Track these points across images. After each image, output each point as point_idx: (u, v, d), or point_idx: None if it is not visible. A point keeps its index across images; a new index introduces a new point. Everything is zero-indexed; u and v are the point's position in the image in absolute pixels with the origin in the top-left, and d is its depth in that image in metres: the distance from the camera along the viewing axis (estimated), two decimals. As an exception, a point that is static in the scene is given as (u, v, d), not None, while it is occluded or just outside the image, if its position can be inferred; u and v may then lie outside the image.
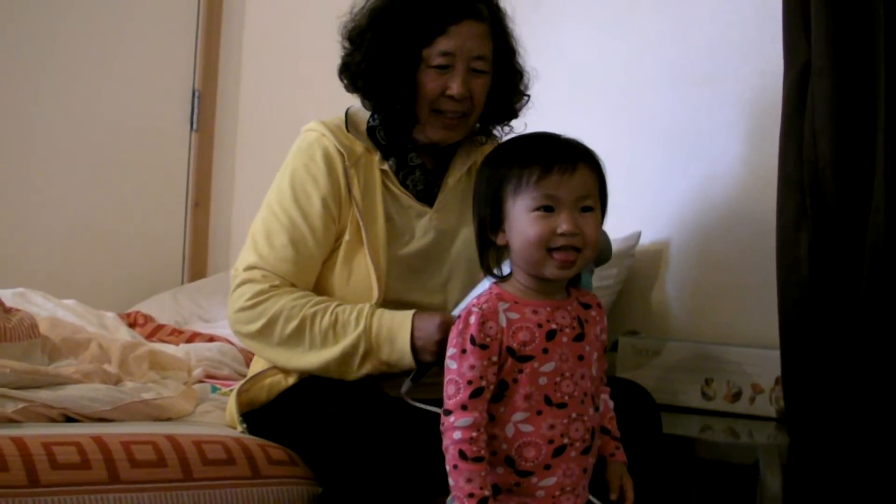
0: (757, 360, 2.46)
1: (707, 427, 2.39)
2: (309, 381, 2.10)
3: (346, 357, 2.04)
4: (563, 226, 1.68)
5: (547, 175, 1.70)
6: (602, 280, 2.64)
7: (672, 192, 2.77)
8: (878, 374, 2.08)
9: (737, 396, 2.48)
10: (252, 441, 2.06)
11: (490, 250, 1.78)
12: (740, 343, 2.54)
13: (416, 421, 1.89)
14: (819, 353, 2.16)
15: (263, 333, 2.09)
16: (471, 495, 1.65)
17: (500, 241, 1.76)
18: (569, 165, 1.71)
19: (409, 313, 2.02)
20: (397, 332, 2.01)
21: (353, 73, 2.18)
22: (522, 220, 1.71)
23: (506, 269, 1.78)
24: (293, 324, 2.06)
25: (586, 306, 1.79)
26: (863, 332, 2.10)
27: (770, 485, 2.16)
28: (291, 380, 2.13)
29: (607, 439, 1.83)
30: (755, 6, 2.61)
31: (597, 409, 1.76)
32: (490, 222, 1.76)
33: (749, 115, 2.64)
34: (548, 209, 1.70)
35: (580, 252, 1.71)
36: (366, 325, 2.03)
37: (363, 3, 2.20)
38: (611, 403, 1.86)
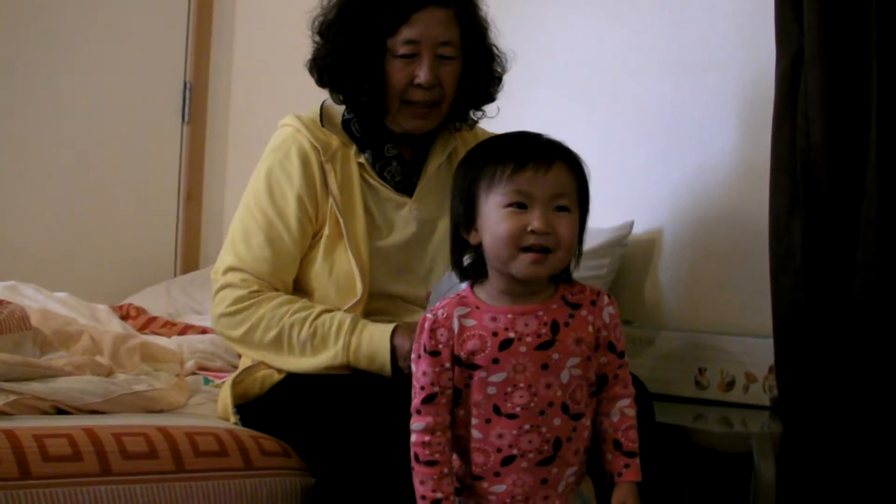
0: (750, 349, 2.45)
1: (700, 416, 2.39)
2: (301, 374, 2.10)
3: (326, 369, 2.06)
4: (535, 223, 1.64)
5: (521, 171, 1.65)
6: (595, 270, 2.64)
7: (665, 181, 2.76)
8: (872, 363, 2.08)
9: (730, 385, 2.48)
10: (245, 432, 2.06)
11: (463, 250, 1.74)
12: (734, 332, 2.53)
13: (409, 411, 1.88)
14: (813, 342, 2.16)
15: (245, 339, 2.12)
16: (423, 497, 1.68)
17: (472, 239, 1.71)
18: (544, 162, 1.66)
19: (387, 331, 2.03)
20: (377, 349, 2.03)
21: (320, 68, 2.18)
22: (494, 216, 1.66)
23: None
24: (272, 333, 2.08)
25: (575, 306, 1.71)
26: (856, 320, 2.10)
27: (764, 473, 2.15)
28: (284, 373, 2.12)
29: (617, 455, 1.72)
30: (748, -6, 2.61)
31: (574, 417, 1.69)
32: (464, 220, 1.71)
33: (742, 103, 2.63)
34: (520, 206, 1.65)
35: (552, 253, 1.65)
36: (345, 343, 2.04)
37: None
38: (630, 412, 1.74)
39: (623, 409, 1.74)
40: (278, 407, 2.10)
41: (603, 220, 2.67)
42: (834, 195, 2.13)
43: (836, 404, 2.13)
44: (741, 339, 2.49)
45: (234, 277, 2.13)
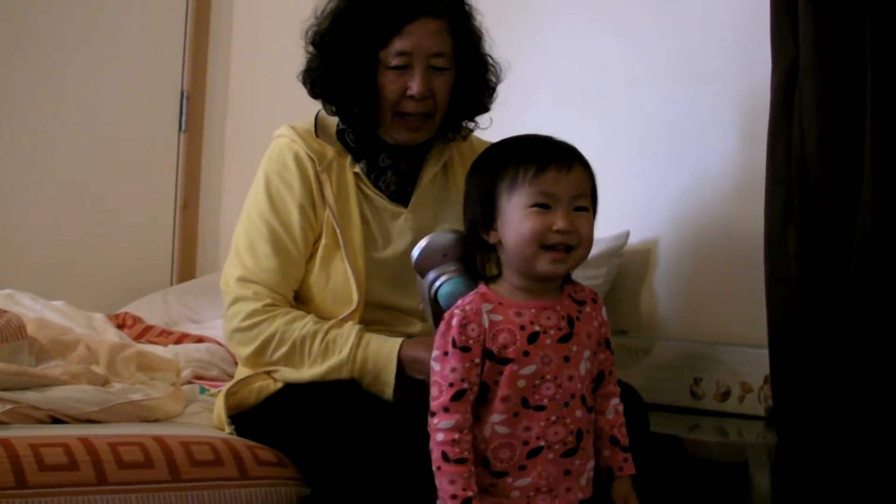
0: (746, 359, 2.46)
1: (696, 426, 2.39)
2: (297, 384, 2.09)
3: (328, 378, 2.06)
4: (559, 223, 1.69)
5: (544, 172, 1.70)
6: (591, 280, 2.64)
7: (661, 191, 2.77)
8: (867, 372, 2.09)
9: (726, 395, 2.48)
10: (240, 442, 2.06)
11: (479, 250, 1.79)
12: (729, 342, 2.53)
13: (405, 421, 1.88)
14: (808, 352, 2.16)
15: (257, 356, 2.11)
16: (454, 496, 1.67)
17: (492, 239, 1.75)
18: (565, 164, 1.72)
19: (394, 350, 2.03)
20: (382, 367, 2.03)
21: (312, 80, 2.18)
22: (517, 216, 1.71)
23: None
24: (283, 349, 2.08)
25: (581, 303, 1.77)
26: (851, 329, 2.10)
27: (759, 483, 2.16)
28: (280, 384, 2.12)
29: (616, 450, 1.79)
30: (744, 5, 2.61)
31: (589, 410, 1.75)
32: (482, 221, 1.76)
33: (738, 114, 2.64)
34: (543, 206, 1.70)
35: (573, 250, 1.71)
36: (351, 355, 2.04)
37: (325, 5, 2.19)
38: (621, 409, 1.81)
39: (616, 406, 1.81)
40: (274, 417, 2.10)
41: (599, 229, 2.67)
42: (829, 205, 2.13)
43: (831, 414, 2.13)
44: (737, 349, 2.49)
45: (246, 290, 2.13)
